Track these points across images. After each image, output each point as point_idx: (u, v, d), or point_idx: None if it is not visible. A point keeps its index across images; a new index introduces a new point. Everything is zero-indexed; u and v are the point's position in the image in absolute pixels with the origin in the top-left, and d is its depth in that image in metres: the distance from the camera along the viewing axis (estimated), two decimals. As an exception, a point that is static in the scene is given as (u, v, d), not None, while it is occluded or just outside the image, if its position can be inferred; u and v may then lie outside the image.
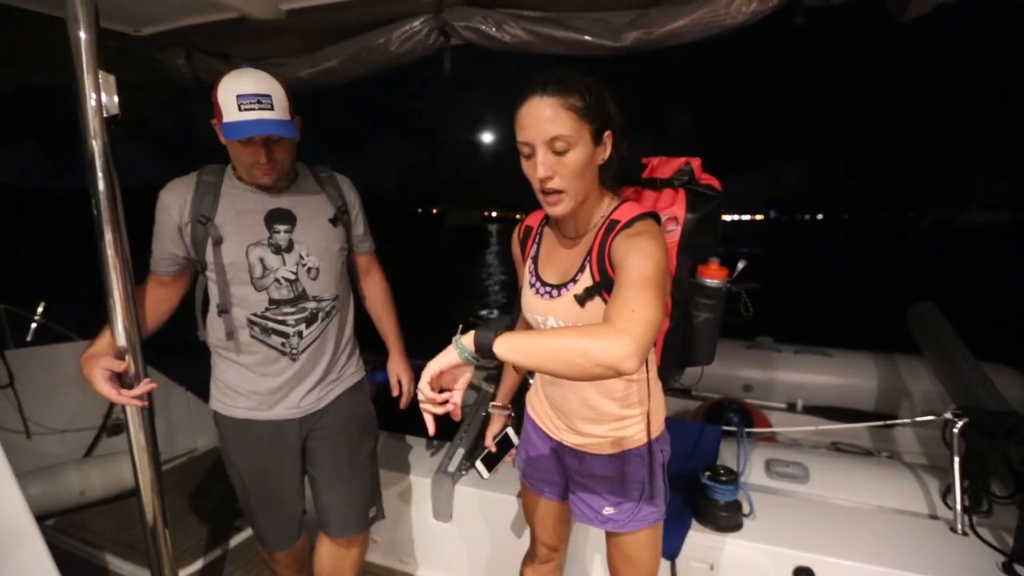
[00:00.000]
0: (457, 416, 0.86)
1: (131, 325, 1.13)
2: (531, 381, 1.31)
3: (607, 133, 0.93)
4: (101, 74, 1.04)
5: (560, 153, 0.88)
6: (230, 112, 1.12)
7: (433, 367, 0.81)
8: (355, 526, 1.44)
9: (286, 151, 1.21)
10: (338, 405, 1.42)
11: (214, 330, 1.30)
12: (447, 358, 0.80)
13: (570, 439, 1.15)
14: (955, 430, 1.51)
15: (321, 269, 1.31)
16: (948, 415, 1.55)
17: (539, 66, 0.96)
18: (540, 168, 0.89)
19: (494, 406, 1.36)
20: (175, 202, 1.21)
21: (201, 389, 2.74)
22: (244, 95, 1.11)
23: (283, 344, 1.29)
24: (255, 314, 1.27)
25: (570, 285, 0.99)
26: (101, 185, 1.06)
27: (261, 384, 1.31)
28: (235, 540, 2.01)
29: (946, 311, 2.97)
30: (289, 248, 1.27)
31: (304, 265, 1.28)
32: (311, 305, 1.31)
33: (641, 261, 0.83)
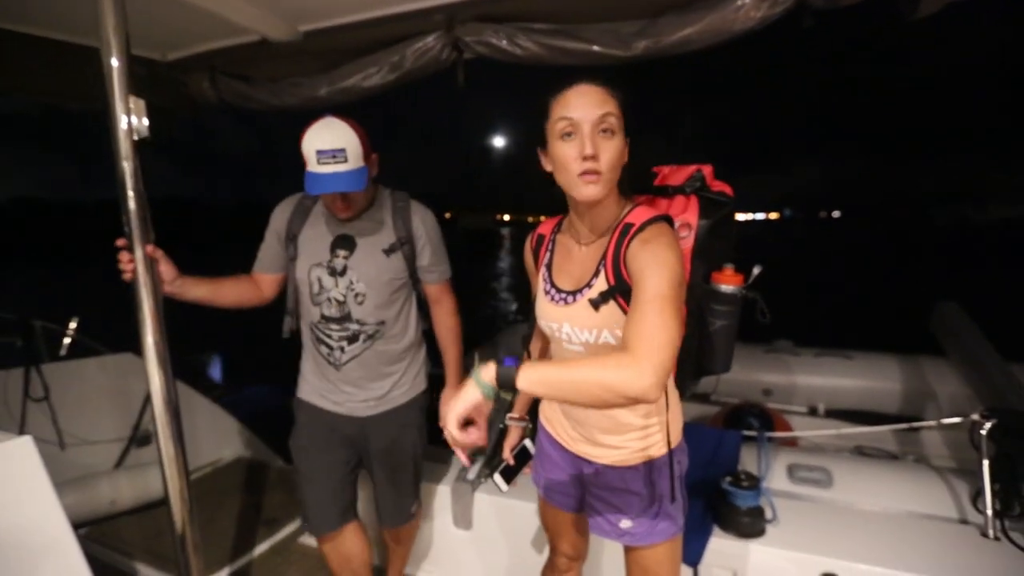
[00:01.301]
0: (484, 442, 0.87)
1: (160, 339, 1.17)
2: None
3: (627, 138, 0.95)
4: (132, 99, 1.10)
5: (605, 135, 0.89)
6: (311, 163, 1.27)
7: (458, 410, 0.81)
8: (397, 520, 1.63)
9: (360, 193, 1.37)
10: (392, 416, 1.54)
11: (300, 328, 1.53)
12: (469, 398, 0.81)
13: (586, 450, 1.14)
14: (983, 432, 1.47)
15: (368, 296, 1.42)
16: (976, 416, 1.52)
17: (552, 73, 0.98)
18: (588, 144, 0.88)
19: (511, 418, 1.35)
20: (280, 217, 1.47)
21: (225, 400, 2.81)
22: (322, 151, 1.25)
23: (328, 354, 1.46)
24: (313, 323, 1.46)
25: (585, 290, 0.99)
26: (132, 204, 1.11)
27: (319, 379, 1.52)
28: (260, 549, 2.05)
29: (969, 310, 2.90)
30: (343, 272, 1.41)
31: (352, 290, 1.42)
32: (354, 326, 1.44)
33: (658, 275, 0.83)
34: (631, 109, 0.93)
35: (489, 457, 1.87)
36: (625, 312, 0.94)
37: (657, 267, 0.84)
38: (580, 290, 1.00)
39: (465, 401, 0.81)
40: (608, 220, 1.00)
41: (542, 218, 1.20)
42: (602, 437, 1.10)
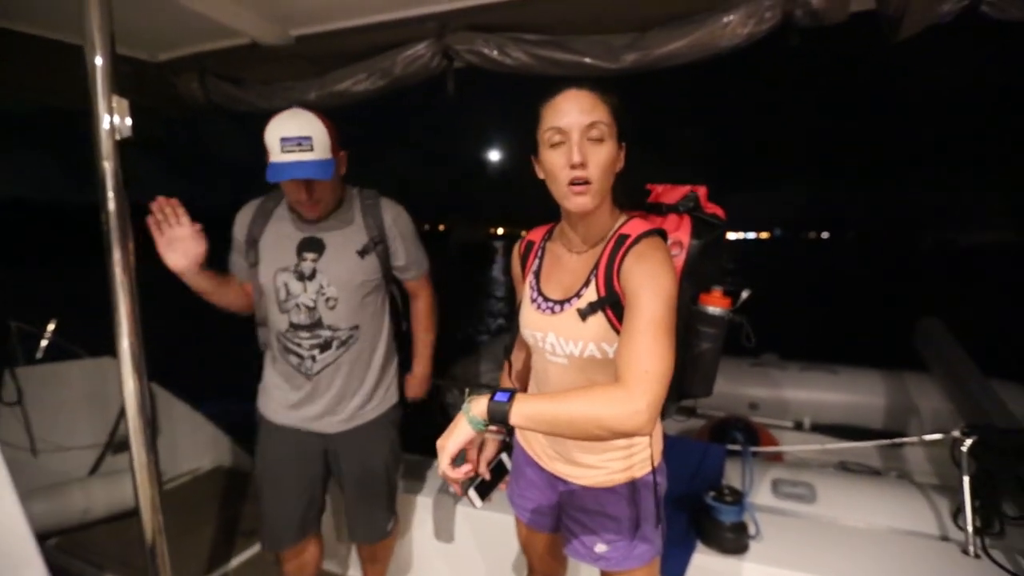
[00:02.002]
0: (476, 472, 0.92)
1: (136, 342, 1.14)
2: None
3: (623, 144, 0.94)
4: (115, 98, 1.08)
5: (594, 142, 0.88)
6: (274, 153, 1.21)
7: (451, 448, 0.82)
8: (373, 535, 1.58)
9: (327, 189, 1.30)
10: (364, 432, 1.48)
11: (261, 339, 1.46)
12: (461, 435, 0.82)
13: (562, 469, 1.10)
14: (964, 448, 1.49)
15: (340, 299, 1.35)
16: (957, 433, 1.53)
17: (545, 82, 0.98)
18: (575, 152, 0.87)
19: (488, 430, 1.32)
20: (240, 222, 1.41)
21: (206, 408, 2.75)
22: (286, 138, 1.19)
23: (299, 364, 1.39)
24: (280, 332, 1.38)
25: (573, 300, 0.97)
26: (111, 205, 1.08)
27: (286, 394, 1.43)
28: (236, 561, 1.99)
29: (952, 328, 2.95)
30: (312, 276, 1.34)
31: (323, 294, 1.35)
32: (326, 333, 1.37)
33: (654, 299, 0.83)
34: (626, 115, 0.93)
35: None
36: (613, 326, 0.92)
37: (653, 289, 0.84)
38: (569, 299, 0.98)
39: (457, 439, 0.82)
40: (601, 229, 0.98)
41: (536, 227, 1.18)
42: (580, 456, 1.07)
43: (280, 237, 1.36)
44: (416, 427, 1.67)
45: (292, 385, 1.41)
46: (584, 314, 0.94)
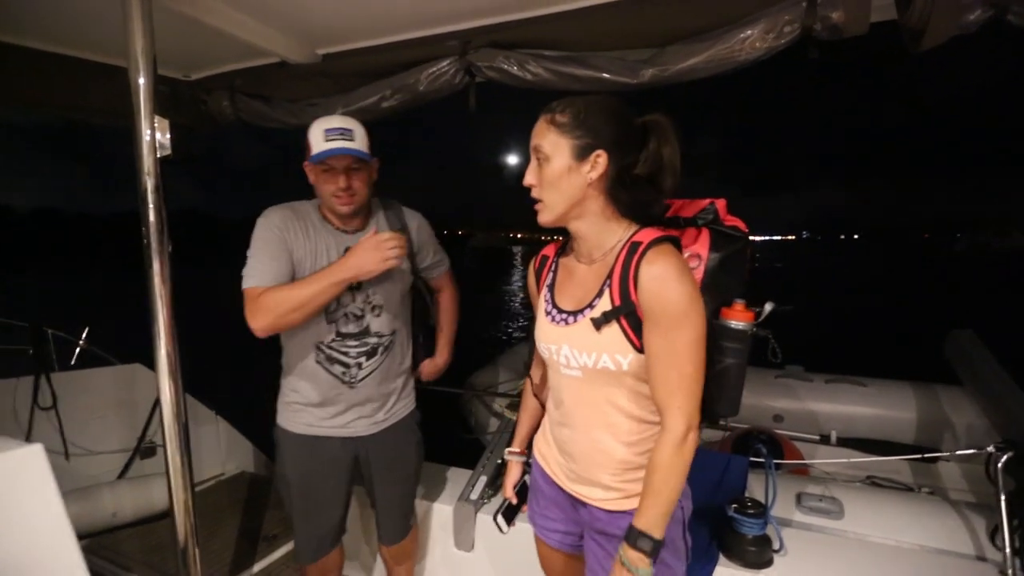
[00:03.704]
0: None
1: (173, 351, 1.18)
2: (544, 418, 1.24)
3: (596, 152, 0.93)
4: (156, 117, 1.14)
5: (540, 163, 0.97)
6: (318, 144, 1.28)
7: None
8: (400, 534, 1.63)
9: (363, 182, 1.35)
10: (392, 433, 1.52)
11: (287, 351, 1.43)
12: None
13: (581, 490, 1.07)
14: (1000, 465, 1.44)
15: (384, 307, 1.42)
16: (992, 449, 1.48)
17: (563, 95, 1.02)
18: (528, 174, 0.99)
19: (511, 452, 1.29)
20: (274, 223, 1.32)
21: (231, 414, 2.82)
22: (331, 128, 1.29)
23: (343, 373, 1.41)
24: (322, 343, 1.39)
25: (586, 311, 0.97)
26: (152, 218, 1.14)
27: (321, 406, 1.43)
28: (259, 565, 2.03)
29: (987, 337, 2.85)
30: (358, 286, 1.38)
31: (370, 303, 1.40)
32: (372, 340, 1.43)
33: (685, 320, 0.89)
34: (593, 124, 0.93)
35: (493, 476, 1.84)
36: (628, 336, 0.92)
37: (683, 314, 0.89)
38: (581, 310, 0.98)
39: None
40: (608, 239, 0.99)
41: (556, 237, 1.19)
42: (597, 474, 1.04)
43: (321, 249, 1.36)
44: (438, 435, 1.69)
45: (330, 395, 1.42)
46: (598, 324, 0.94)
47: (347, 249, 1.36)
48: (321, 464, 1.46)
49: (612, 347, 0.94)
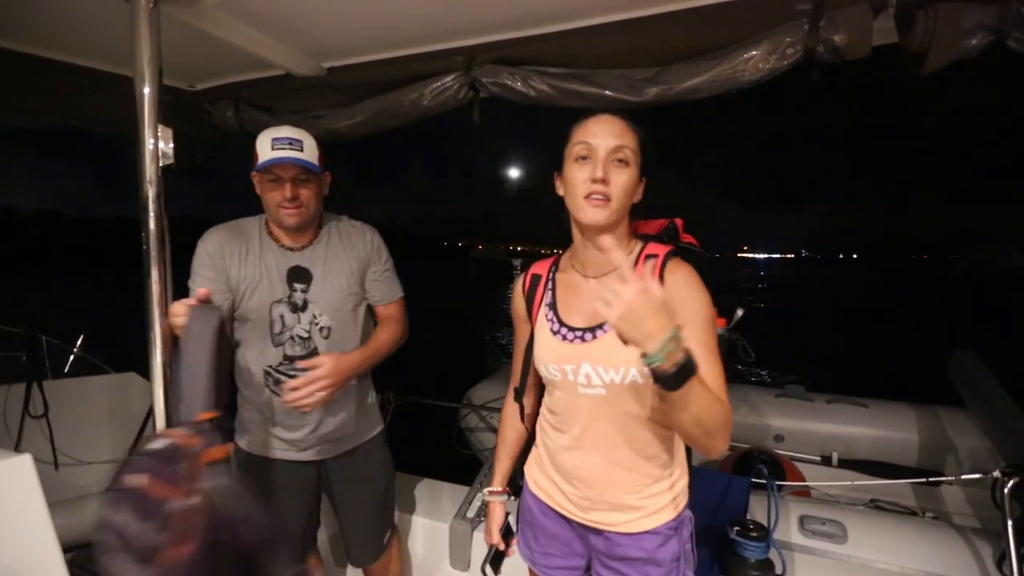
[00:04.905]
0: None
1: (169, 360, 1.17)
2: (537, 445, 1.15)
3: (643, 179, 0.97)
4: (160, 127, 1.14)
5: (619, 165, 0.92)
6: (264, 153, 1.25)
7: None
8: (371, 556, 1.56)
9: (312, 193, 1.30)
10: (355, 455, 1.47)
11: (238, 373, 1.37)
12: None
13: (600, 518, 1.02)
14: (1006, 490, 1.41)
15: (333, 328, 1.35)
16: (997, 474, 1.46)
17: (566, 111, 1.02)
18: (599, 168, 0.90)
19: (493, 492, 1.23)
20: (212, 247, 1.30)
21: (222, 425, 2.77)
22: (278, 138, 1.26)
23: None
24: (270, 366, 1.34)
25: (607, 325, 0.93)
26: (152, 226, 1.13)
27: (276, 429, 1.38)
28: None
29: (989, 360, 2.83)
30: (304, 307, 1.33)
31: (316, 324, 1.34)
32: None
33: (708, 326, 0.89)
34: (652, 150, 0.96)
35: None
36: None
37: (704, 318, 0.89)
38: (601, 325, 0.95)
39: None
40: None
41: (556, 250, 1.18)
42: (621, 496, 1.00)
43: (266, 267, 1.32)
44: (435, 451, 1.66)
45: (283, 419, 1.37)
46: None
47: (292, 269, 1.33)
48: (281, 485, 1.42)
49: (639, 360, 0.92)
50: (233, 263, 1.30)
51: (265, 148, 1.26)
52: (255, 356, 1.34)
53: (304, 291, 1.33)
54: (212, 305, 1.08)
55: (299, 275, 1.34)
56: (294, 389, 1.19)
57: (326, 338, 1.35)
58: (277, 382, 1.34)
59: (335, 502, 1.51)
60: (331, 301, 1.35)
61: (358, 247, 1.42)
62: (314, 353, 1.34)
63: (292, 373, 1.32)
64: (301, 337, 1.33)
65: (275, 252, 1.33)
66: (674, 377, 0.73)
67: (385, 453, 1.57)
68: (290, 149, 1.25)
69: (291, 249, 1.34)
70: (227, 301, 1.31)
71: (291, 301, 1.32)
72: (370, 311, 1.48)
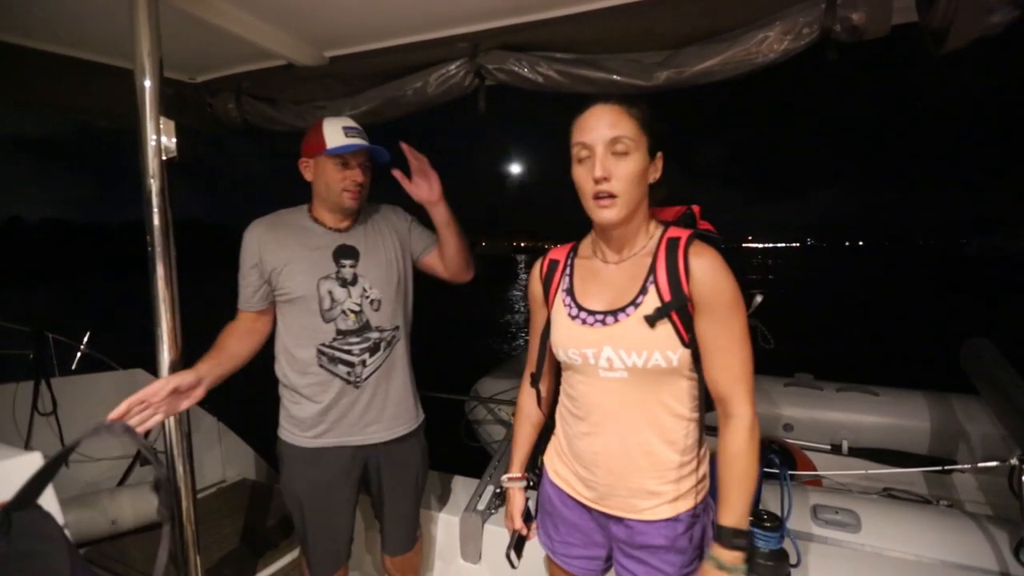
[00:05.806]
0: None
1: (177, 357, 1.16)
2: (556, 434, 1.15)
3: (659, 153, 0.96)
4: (162, 119, 1.12)
5: (619, 156, 0.90)
6: (336, 138, 1.31)
7: None
8: (408, 545, 1.59)
9: (369, 179, 1.39)
10: (402, 441, 1.49)
11: (285, 361, 1.40)
12: None
13: (617, 504, 1.01)
14: (1023, 478, 1.40)
15: (383, 300, 1.40)
16: (1015, 461, 1.44)
17: (574, 99, 1.00)
18: (598, 168, 0.90)
19: (512, 478, 1.22)
20: (254, 242, 1.35)
21: (231, 420, 2.79)
22: (349, 127, 1.34)
23: (348, 373, 1.38)
24: (323, 344, 1.36)
25: (630, 308, 0.94)
26: (156, 221, 1.12)
27: (327, 413, 1.38)
28: (262, 573, 1.99)
29: (1003, 346, 2.80)
30: (354, 281, 1.37)
31: (367, 297, 1.38)
32: (374, 335, 1.39)
33: (739, 311, 0.91)
34: (658, 125, 0.94)
35: (498, 490, 1.80)
36: (678, 332, 0.91)
37: (736, 301, 0.90)
38: (623, 308, 0.95)
39: None
40: (640, 238, 0.99)
41: (558, 246, 1.17)
42: (643, 482, 0.99)
43: (311, 248, 1.36)
44: (444, 443, 1.66)
45: (336, 399, 1.38)
46: (652, 320, 0.92)
47: (339, 248, 1.39)
48: (331, 476, 1.42)
49: (664, 343, 0.92)
50: (267, 247, 1.35)
51: (336, 134, 1.31)
52: (307, 336, 1.35)
53: (352, 266, 1.38)
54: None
55: (346, 252, 1.39)
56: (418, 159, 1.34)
57: (376, 310, 1.39)
58: (332, 359, 1.35)
59: (381, 488, 1.50)
60: (380, 275, 1.40)
61: (392, 220, 1.50)
62: (366, 327, 1.38)
63: (347, 347, 1.36)
64: (352, 311, 1.36)
65: (320, 234, 1.38)
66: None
67: (425, 444, 1.59)
68: (360, 137, 1.33)
69: (337, 230, 1.40)
70: (262, 290, 1.37)
71: (339, 276, 1.36)
72: (411, 288, 1.53)
